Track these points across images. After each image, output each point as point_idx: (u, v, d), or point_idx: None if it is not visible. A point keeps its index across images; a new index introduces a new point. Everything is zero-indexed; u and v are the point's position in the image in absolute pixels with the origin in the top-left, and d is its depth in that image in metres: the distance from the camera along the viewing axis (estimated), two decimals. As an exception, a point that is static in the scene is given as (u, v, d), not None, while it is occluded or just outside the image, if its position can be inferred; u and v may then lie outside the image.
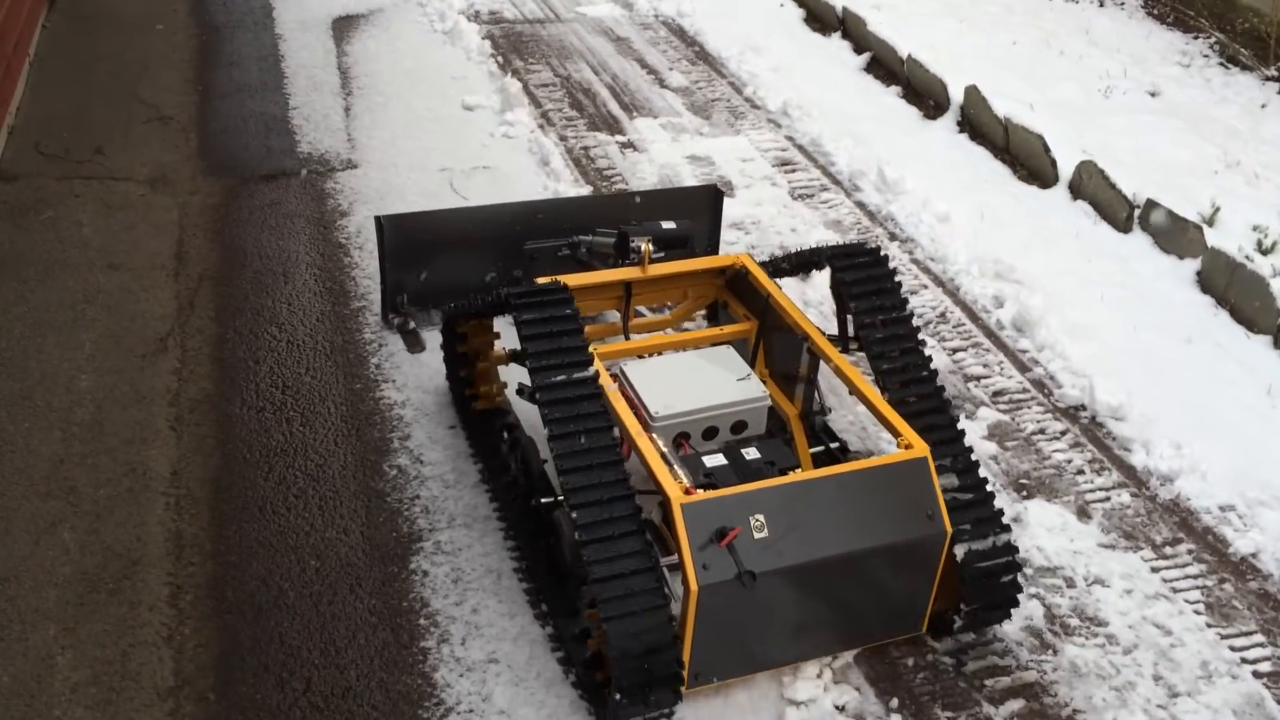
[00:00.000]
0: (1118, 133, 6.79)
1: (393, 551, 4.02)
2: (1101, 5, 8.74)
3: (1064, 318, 5.31)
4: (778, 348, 4.25)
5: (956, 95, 7.15)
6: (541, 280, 3.90)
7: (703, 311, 4.87)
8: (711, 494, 3.33)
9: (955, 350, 5.22)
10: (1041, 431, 4.76)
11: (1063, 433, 4.75)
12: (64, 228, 5.75)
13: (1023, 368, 5.13)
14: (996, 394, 4.96)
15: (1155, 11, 8.62)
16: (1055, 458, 4.61)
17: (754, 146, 6.95)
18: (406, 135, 6.79)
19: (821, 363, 4.00)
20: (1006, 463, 4.57)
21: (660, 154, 6.75)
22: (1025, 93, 7.17)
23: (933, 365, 3.88)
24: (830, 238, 6.02)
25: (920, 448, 3.51)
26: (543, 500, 3.70)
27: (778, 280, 4.50)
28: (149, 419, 4.55)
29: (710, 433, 3.87)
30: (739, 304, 4.46)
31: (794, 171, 6.70)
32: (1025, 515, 4.28)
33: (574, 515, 3.26)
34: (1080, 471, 4.55)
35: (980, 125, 6.96)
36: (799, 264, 4.48)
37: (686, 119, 7.26)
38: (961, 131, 7.04)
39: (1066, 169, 6.35)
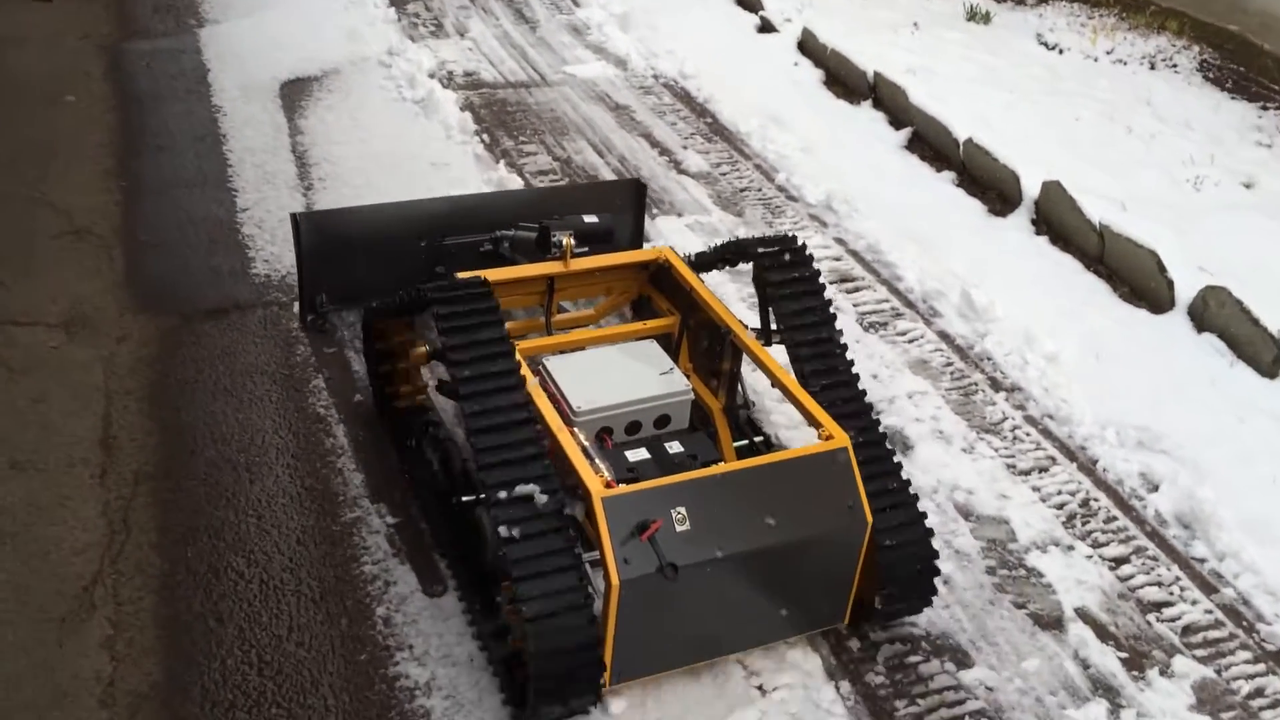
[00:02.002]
0: (1222, 236, 5.70)
1: None
2: (1153, 68, 7.68)
3: (1238, 510, 4.17)
4: (701, 342, 4.20)
5: (1029, 187, 6.03)
6: (462, 275, 3.71)
7: (628, 307, 4.72)
8: (632, 487, 3.23)
9: (1117, 562, 4.03)
10: (1259, 694, 3.63)
11: (1283, 691, 3.61)
12: (-52, 403, 4.31)
13: (1207, 587, 3.97)
14: (1187, 630, 3.83)
15: (1212, 76, 7.60)
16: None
17: (802, 254, 5.74)
18: (386, 247, 5.43)
19: (745, 357, 3.96)
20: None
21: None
22: (1105, 184, 6.06)
23: (849, 356, 3.84)
24: (918, 385, 4.83)
25: (841, 438, 3.45)
26: (464, 499, 3.51)
27: (701, 275, 4.32)
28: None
29: (633, 427, 3.79)
30: (663, 298, 4.38)
31: (857, 290, 5.49)
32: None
33: (492, 511, 3.15)
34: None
35: (1065, 229, 5.82)
36: (721, 258, 4.34)
37: (716, 217, 6.01)
38: (1039, 233, 5.90)
39: (1182, 289, 5.26)
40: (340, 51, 7.39)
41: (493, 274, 3.83)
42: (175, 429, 4.28)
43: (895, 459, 3.59)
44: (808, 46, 7.86)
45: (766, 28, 8.21)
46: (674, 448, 3.64)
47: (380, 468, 4.18)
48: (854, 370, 3.78)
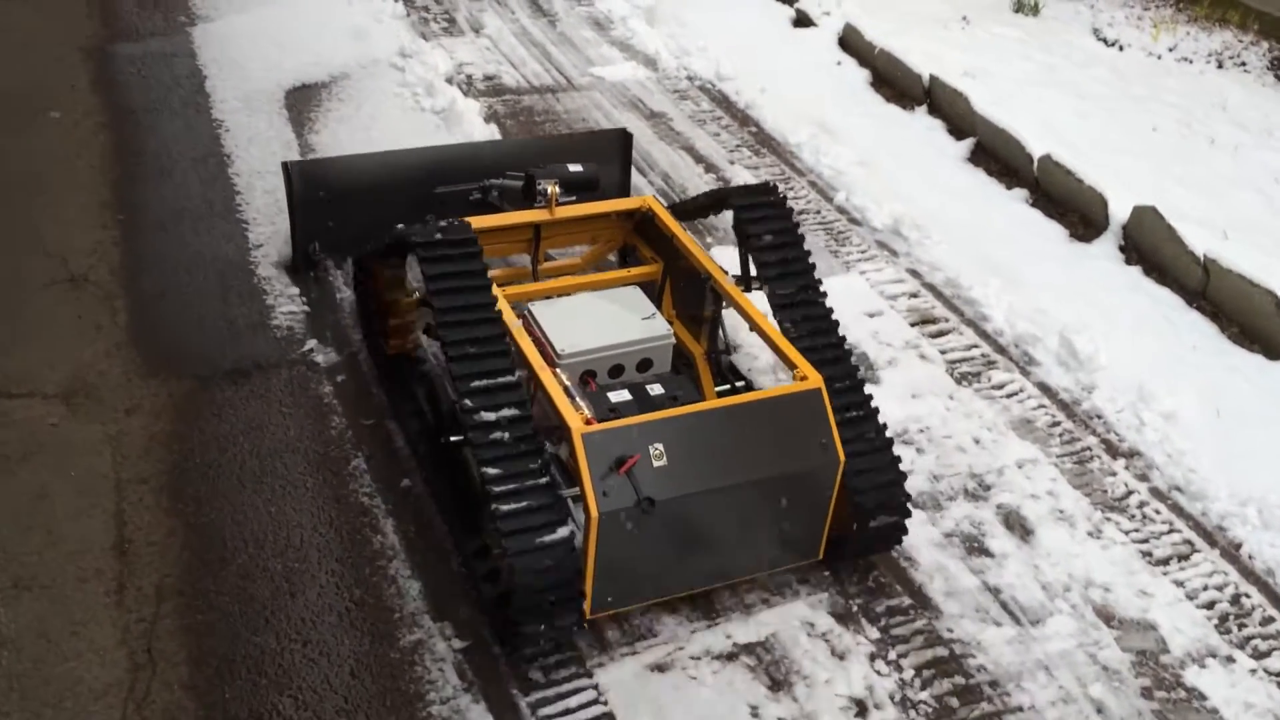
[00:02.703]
0: (1330, 266, 5.21)
1: None
2: (1220, 66, 7.13)
3: (1406, 604, 3.72)
4: (683, 288, 4.25)
5: (1116, 211, 5.48)
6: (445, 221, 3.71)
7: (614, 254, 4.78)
8: (610, 424, 3.29)
9: (1283, 675, 3.57)
10: None
11: None
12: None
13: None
14: (1373, 762, 3.34)
15: (1285, 74, 7.07)
16: None
17: (875, 290, 5.17)
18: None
19: (726, 303, 4.03)
20: None
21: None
22: (1198, 207, 5.52)
23: (828, 302, 3.88)
24: (1027, 451, 4.29)
25: (815, 379, 3.51)
26: (451, 439, 3.64)
27: (684, 222, 4.36)
28: None
29: (616, 370, 3.87)
30: (647, 247, 4.41)
31: (942, 334, 4.94)
32: None
33: (476, 450, 3.21)
34: None
35: (1160, 259, 5.28)
36: (703, 206, 4.39)
37: (777, 246, 5.45)
38: (1130, 263, 5.37)
39: (1300, 332, 4.76)
40: (348, 53, 6.72)
41: (478, 221, 3.90)
42: (199, 528, 3.69)
43: (869, 397, 3.67)
44: (851, 43, 7.25)
45: (803, 21, 7.59)
46: (655, 389, 3.64)
47: (440, 573, 3.62)
48: (832, 316, 3.84)
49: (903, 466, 3.72)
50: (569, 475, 3.40)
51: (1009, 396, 4.60)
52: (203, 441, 4.02)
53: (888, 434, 3.67)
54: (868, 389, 3.71)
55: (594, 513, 3.12)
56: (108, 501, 3.75)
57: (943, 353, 4.80)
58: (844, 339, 3.79)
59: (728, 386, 4.07)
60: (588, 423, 3.26)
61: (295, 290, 4.79)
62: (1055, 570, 3.78)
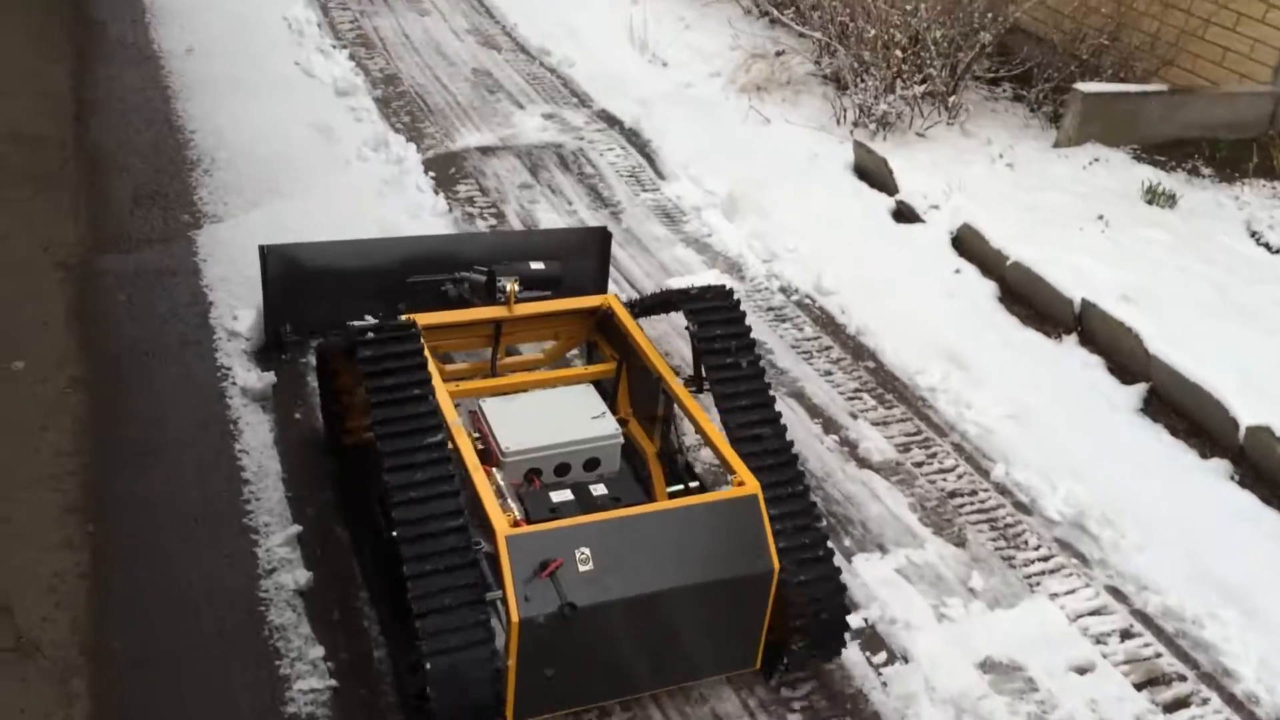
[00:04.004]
0: None
1: None
2: None
3: None
4: (638, 387, 4.24)
5: (1361, 505, 4.28)
6: (403, 317, 3.77)
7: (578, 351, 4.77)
8: (536, 527, 3.22)
9: None
10: None
11: None
12: None
13: None
14: None
15: None
16: None
17: (1076, 627, 3.90)
18: None
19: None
20: None
21: (938, 663, 3.70)
22: None
23: (775, 406, 3.77)
24: None
25: (752, 485, 3.44)
26: (394, 533, 3.27)
27: (641, 320, 4.31)
28: None
29: (562, 469, 3.78)
30: (608, 344, 4.36)
31: (1181, 706, 3.67)
32: None
33: (402, 548, 3.13)
34: None
35: None
36: (656, 305, 4.35)
37: (934, 551, 4.17)
38: (1394, 579, 4.15)
39: None
40: (381, 264, 5.57)
41: (435, 317, 4.02)
42: None
43: (813, 505, 3.58)
44: (970, 247, 6.09)
45: (906, 215, 6.45)
46: (598, 490, 3.57)
47: None
48: (780, 421, 3.74)
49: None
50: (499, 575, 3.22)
51: (1299, 818, 3.34)
52: None
53: (829, 543, 3.57)
54: (811, 497, 3.62)
55: (514, 618, 3.06)
56: None
57: (1188, 735, 3.55)
58: (791, 443, 3.71)
59: (680, 486, 3.92)
60: (515, 524, 3.22)
61: (319, 651, 3.53)
62: None
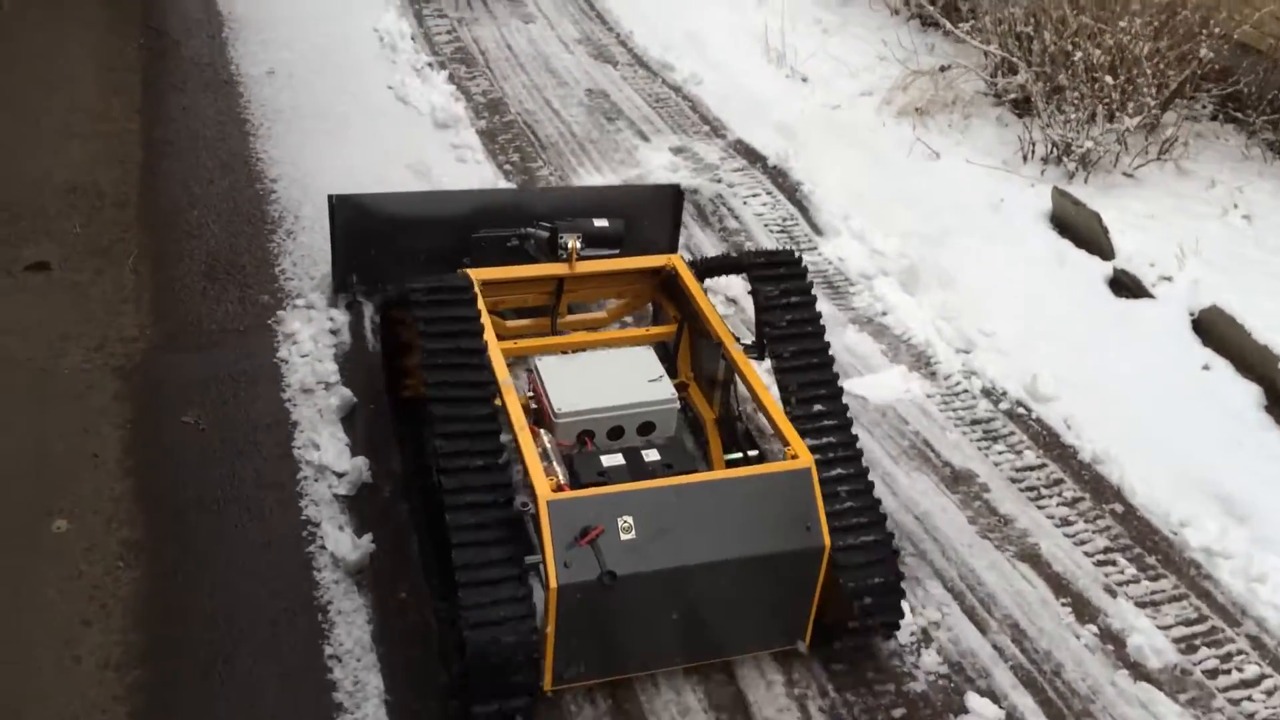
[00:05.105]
0: None
1: None
2: None
3: None
4: (700, 351, 4.15)
5: None
6: (464, 271, 3.74)
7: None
8: (579, 493, 3.16)
9: None
10: None
11: None
12: None
13: None
14: None
15: None
16: None
17: None
18: None
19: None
20: None
21: None
22: None
23: (837, 381, 3.64)
24: None
25: (806, 458, 3.31)
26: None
27: (706, 281, 4.33)
28: None
29: (615, 432, 3.67)
30: (671, 305, 4.23)
31: None
32: None
33: (445, 513, 3.09)
34: None
35: None
36: (723, 267, 4.21)
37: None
38: None
39: None
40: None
41: (496, 273, 3.95)
42: None
43: (868, 478, 3.44)
44: (1219, 336, 4.82)
45: (1129, 288, 5.20)
46: (650, 455, 3.45)
47: None
48: (837, 383, 3.62)
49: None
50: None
51: None
52: None
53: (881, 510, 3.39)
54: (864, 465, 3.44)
55: (553, 584, 2.97)
56: None
57: None
58: (847, 408, 3.57)
59: (739, 455, 3.84)
60: (558, 489, 3.13)
61: None
62: None
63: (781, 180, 6.19)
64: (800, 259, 3.90)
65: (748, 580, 3.22)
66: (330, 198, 4.63)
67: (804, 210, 5.93)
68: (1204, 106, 6.87)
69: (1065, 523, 4.03)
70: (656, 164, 6.25)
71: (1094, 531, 4.02)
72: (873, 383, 4.66)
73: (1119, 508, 4.10)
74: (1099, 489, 4.19)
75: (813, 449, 3.37)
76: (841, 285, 5.35)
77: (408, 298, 3.49)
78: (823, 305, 5.15)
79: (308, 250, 5.23)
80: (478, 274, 3.74)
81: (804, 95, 7.15)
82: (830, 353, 3.69)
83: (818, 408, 3.54)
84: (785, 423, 3.45)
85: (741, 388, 3.91)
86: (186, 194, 5.66)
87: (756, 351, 3.84)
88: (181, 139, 6.15)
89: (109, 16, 7.64)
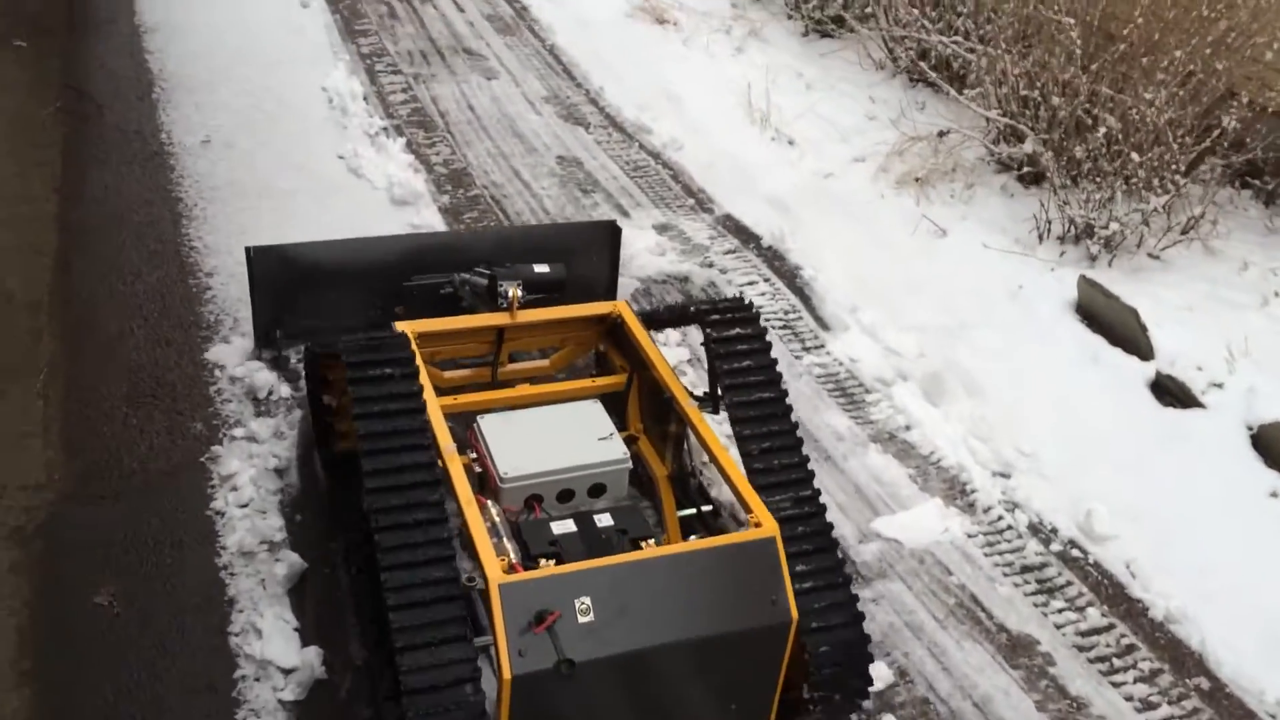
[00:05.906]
0: None
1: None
2: None
3: None
4: (650, 403, 3.90)
5: None
6: (399, 325, 3.56)
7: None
8: (533, 574, 2.87)
9: None
10: None
11: None
12: None
13: None
14: None
15: None
16: None
17: None
18: None
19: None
20: None
21: None
22: None
23: (798, 433, 3.41)
24: None
25: (769, 526, 3.07)
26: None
27: (654, 332, 4.13)
28: None
29: (565, 495, 3.44)
30: (618, 354, 4.03)
31: None
32: None
33: (385, 586, 2.82)
34: None
35: None
36: (674, 318, 4.08)
37: None
38: None
39: None
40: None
41: (433, 324, 3.73)
42: None
43: (833, 541, 3.26)
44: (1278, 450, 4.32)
45: (1175, 395, 4.64)
46: (603, 520, 3.24)
47: None
48: (800, 443, 3.39)
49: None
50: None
51: None
52: None
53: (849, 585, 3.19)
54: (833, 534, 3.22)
55: (506, 675, 2.70)
56: None
57: None
58: (812, 474, 3.34)
59: (692, 511, 3.61)
60: (509, 569, 2.88)
61: None
62: None
63: (779, 264, 5.56)
64: (752, 305, 3.68)
65: (713, 660, 3.01)
66: (247, 250, 4.35)
67: (806, 301, 5.29)
68: (1213, 170, 6.38)
69: (1148, 705, 3.41)
70: (641, 246, 5.57)
71: (1163, 699, 3.42)
72: (907, 522, 4.02)
73: (1204, 683, 3.50)
74: (1178, 658, 3.58)
75: (774, 508, 3.16)
76: (857, 393, 4.72)
77: (338, 358, 3.21)
78: (838, 418, 4.59)
79: (248, 363, 4.51)
80: (413, 327, 3.55)
81: (792, 161, 6.54)
82: (788, 401, 3.47)
83: (778, 461, 3.32)
84: (747, 487, 3.22)
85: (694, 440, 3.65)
86: (108, 292, 4.89)
87: (710, 404, 3.69)
88: (105, 225, 5.38)
89: (28, 78, 6.84)
